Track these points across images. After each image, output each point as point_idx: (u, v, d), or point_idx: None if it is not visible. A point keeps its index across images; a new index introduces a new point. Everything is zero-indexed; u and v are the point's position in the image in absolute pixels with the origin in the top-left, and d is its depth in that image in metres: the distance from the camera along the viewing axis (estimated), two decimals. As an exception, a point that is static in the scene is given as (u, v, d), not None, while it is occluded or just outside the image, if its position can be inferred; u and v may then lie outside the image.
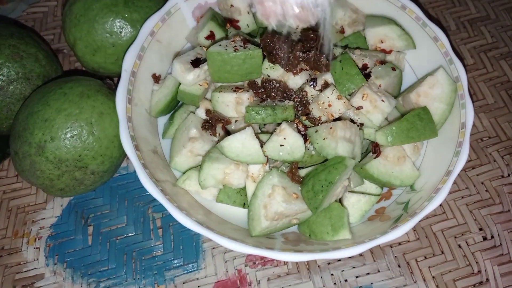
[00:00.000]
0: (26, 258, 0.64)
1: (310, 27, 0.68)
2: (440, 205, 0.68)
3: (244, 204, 0.61)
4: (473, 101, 0.77)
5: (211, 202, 0.61)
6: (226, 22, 0.70)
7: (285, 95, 0.62)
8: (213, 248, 0.64)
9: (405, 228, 0.52)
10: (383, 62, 0.65)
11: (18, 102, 0.66)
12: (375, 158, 0.59)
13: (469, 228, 0.66)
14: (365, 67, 0.63)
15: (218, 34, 0.67)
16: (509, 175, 0.71)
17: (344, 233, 0.55)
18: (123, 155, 0.65)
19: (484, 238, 0.65)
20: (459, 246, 0.65)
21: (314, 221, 0.57)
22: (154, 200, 0.68)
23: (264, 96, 0.62)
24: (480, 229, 0.66)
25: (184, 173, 0.62)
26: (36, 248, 0.65)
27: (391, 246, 0.64)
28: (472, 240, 0.65)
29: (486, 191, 0.69)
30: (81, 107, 0.60)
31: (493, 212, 0.67)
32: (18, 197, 0.69)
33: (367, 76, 0.63)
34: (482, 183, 0.70)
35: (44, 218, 0.67)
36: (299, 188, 0.57)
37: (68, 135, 0.58)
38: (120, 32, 0.67)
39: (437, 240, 0.65)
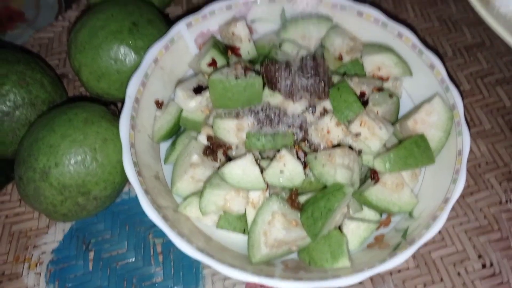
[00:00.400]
0: (26, 284, 0.64)
1: (309, 55, 0.70)
2: (439, 231, 0.68)
3: (244, 230, 0.61)
4: (470, 127, 0.78)
5: (211, 228, 0.62)
6: (228, 49, 0.72)
7: (284, 121, 0.64)
8: (213, 275, 0.65)
9: (403, 256, 0.53)
10: (380, 89, 0.67)
11: (24, 127, 0.67)
12: (373, 184, 0.59)
13: (468, 255, 0.66)
14: (363, 94, 0.65)
15: (220, 61, 0.68)
16: (507, 201, 0.71)
17: (344, 261, 0.55)
18: (125, 181, 0.65)
19: (484, 266, 0.65)
20: (458, 274, 0.65)
21: (314, 248, 0.58)
22: (155, 225, 0.68)
23: (265, 122, 0.63)
24: (479, 256, 0.66)
25: (185, 198, 0.62)
26: (37, 273, 0.65)
27: (390, 274, 0.65)
28: (471, 267, 0.65)
29: (485, 217, 0.70)
30: (85, 133, 0.61)
31: (492, 239, 0.68)
32: (21, 222, 0.70)
33: (365, 103, 0.64)
34: (480, 210, 0.70)
35: (46, 243, 0.67)
36: (299, 215, 0.58)
37: (72, 161, 0.60)
38: (125, 59, 0.69)
39: (436, 267, 0.65)
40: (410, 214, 0.61)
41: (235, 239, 0.61)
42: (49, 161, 0.59)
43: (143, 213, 0.69)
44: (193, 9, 0.92)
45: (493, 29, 0.61)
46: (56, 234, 0.68)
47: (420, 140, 0.61)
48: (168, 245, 0.67)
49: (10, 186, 0.73)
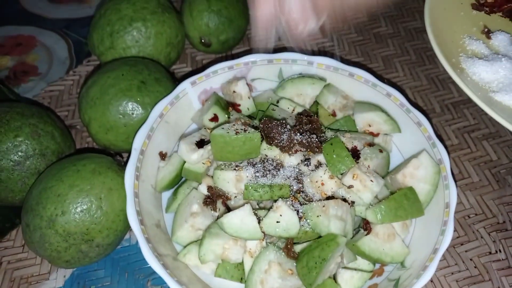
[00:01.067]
0: (25, 331, 0.65)
1: (304, 112, 0.75)
2: (431, 281, 0.70)
3: (241, 279, 0.63)
4: (459, 179, 0.82)
5: (209, 276, 0.64)
6: (229, 105, 0.77)
7: (281, 173, 0.67)
8: (210, 323, 0.65)
9: (396, 305, 0.55)
10: (371, 144, 0.71)
11: (33, 176, 0.71)
12: (366, 235, 0.62)
13: (460, 305, 0.68)
14: (354, 148, 0.69)
15: (221, 116, 0.73)
16: (496, 251, 0.73)
17: (338, 310, 0.57)
18: (127, 228, 0.68)
19: (476, 316, 0.67)
20: (452, 324, 0.66)
21: (309, 297, 0.59)
22: (154, 272, 0.70)
23: (262, 174, 0.67)
24: (472, 307, 0.68)
25: (185, 247, 0.65)
26: (36, 320, 0.66)
27: (385, 323, 0.66)
28: (465, 318, 0.67)
29: (475, 267, 0.72)
30: (92, 183, 0.64)
31: (483, 290, 0.69)
32: (22, 267, 0.71)
33: (357, 157, 0.68)
34: (471, 260, 0.73)
35: (46, 290, 0.69)
36: (294, 264, 0.60)
37: (78, 209, 0.62)
38: (132, 113, 0.74)
39: (430, 317, 0.66)
40: (402, 264, 0.63)
41: (232, 287, 0.63)
42: (56, 209, 0.62)
43: (142, 260, 0.71)
44: (197, 68, 0.99)
45: (466, 93, 0.68)
46: (57, 280, 0.69)
47: (409, 193, 0.64)
48: (167, 293, 0.68)
49: (14, 232, 0.75)
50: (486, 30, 0.87)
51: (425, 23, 0.79)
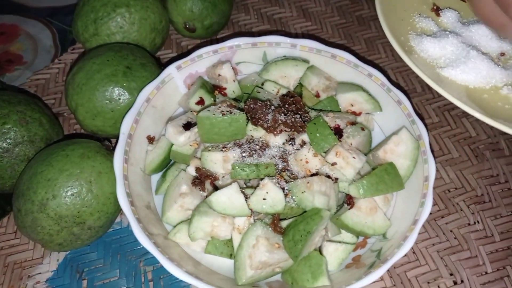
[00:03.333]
0: (20, 313, 0.67)
1: (288, 93, 0.77)
2: (413, 252, 0.73)
3: (231, 255, 0.65)
4: (438, 156, 0.85)
5: (200, 253, 0.66)
6: (214, 89, 0.78)
7: (267, 152, 0.69)
8: (202, 299, 0.68)
9: (377, 273, 0.57)
10: (353, 123, 0.73)
11: (22, 163, 0.71)
12: (349, 209, 0.65)
13: (440, 273, 0.71)
14: (337, 127, 0.71)
15: (207, 99, 0.75)
16: (475, 222, 0.77)
17: (323, 280, 0.59)
18: (118, 211, 0.70)
19: (455, 283, 0.70)
20: (433, 291, 0.69)
21: (296, 269, 0.62)
22: (146, 253, 0.72)
23: (249, 153, 0.69)
24: (451, 274, 0.71)
25: (175, 226, 0.66)
26: (31, 303, 0.67)
27: (369, 293, 0.69)
28: (444, 285, 0.70)
29: (455, 238, 0.75)
30: (81, 167, 0.65)
31: (462, 258, 0.73)
32: (15, 253, 0.72)
33: (340, 135, 0.70)
34: (451, 231, 0.76)
35: (40, 273, 0.70)
36: (281, 238, 0.63)
37: (69, 193, 0.64)
38: (119, 99, 0.75)
39: (412, 286, 0.70)
40: (384, 236, 0.66)
41: (222, 264, 0.65)
42: (47, 193, 0.63)
43: (134, 242, 0.73)
44: (182, 52, 0.99)
45: (413, 70, 0.70)
46: (51, 264, 0.71)
47: (390, 168, 0.67)
48: (158, 272, 0.70)
49: (5, 219, 0.76)
50: (435, 7, 0.88)
51: (375, 2, 0.81)
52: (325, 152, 0.68)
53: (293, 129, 0.69)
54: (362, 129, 0.72)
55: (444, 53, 0.78)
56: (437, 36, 0.80)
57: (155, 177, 0.74)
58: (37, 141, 0.73)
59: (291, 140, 0.70)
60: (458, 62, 0.77)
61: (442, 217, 0.77)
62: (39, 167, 0.66)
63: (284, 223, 0.64)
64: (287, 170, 0.68)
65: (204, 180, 0.68)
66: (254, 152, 0.68)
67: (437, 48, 0.78)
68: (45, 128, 0.75)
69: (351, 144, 0.70)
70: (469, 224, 0.77)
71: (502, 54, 0.82)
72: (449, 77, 0.75)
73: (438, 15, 0.88)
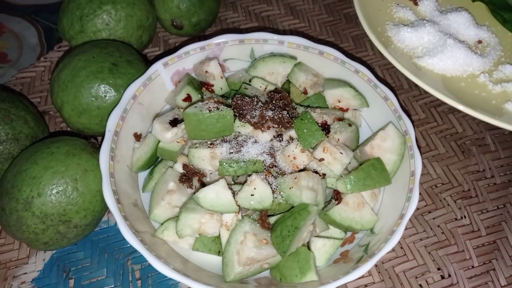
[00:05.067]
0: (6, 314, 0.65)
1: (275, 89, 0.76)
2: (401, 247, 0.74)
3: (219, 252, 0.65)
4: (425, 152, 0.86)
5: (188, 251, 0.65)
6: (202, 85, 0.78)
7: (254, 148, 0.69)
8: (190, 297, 0.67)
9: (365, 268, 0.58)
10: (341, 119, 0.74)
11: (7, 161, 0.70)
12: (337, 204, 0.65)
13: (428, 268, 0.72)
14: (324, 123, 0.71)
15: (194, 96, 0.74)
16: (462, 217, 0.78)
17: (311, 275, 0.59)
18: (105, 209, 0.69)
19: (442, 277, 0.71)
20: (420, 285, 0.70)
21: (284, 265, 0.62)
22: (133, 252, 0.72)
23: (236, 150, 0.69)
24: (438, 269, 0.72)
25: (162, 224, 0.66)
26: (17, 303, 0.66)
27: (357, 288, 0.69)
28: (432, 279, 0.70)
29: (442, 233, 0.76)
30: (67, 164, 0.65)
31: (449, 253, 0.73)
32: (0, 253, 0.71)
33: (327, 131, 0.71)
34: (438, 226, 0.76)
35: (26, 273, 0.69)
36: (269, 234, 0.62)
37: (54, 191, 0.63)
38: (105, 96, 0.74)
39: (400, 281, 0.70)
40: (372, 231, 0.66)
41: (211, 261, 0.65)
42: (32, 191, 0.63)
43: (121, 241, 0.72)
44: (169, 50, 0.99)
45: (390, 61, 0.70)
46: (37, 263, 0.70)
47: (377, 163, 0.67)
48: (146, 270, 0.70)
49: (-10, 219, 0.75)
50: None
51: None
52: (312, 148, 0.68)
53: (280, 125, 0.69)
54: (349, 125, 0.72)
55: (422, 43, 0.78)
56: (415, 26, 0.80)
57: (143, 175, 0.74)
58: (22, 139, 0.72)
59: (279, 136, 0.70)
60: (435, 51, 0.77)
61: (430, 212, 0.78)
62: (23, 165, 0.65)
63: (272, 219, 0.64)
64: (275, 166, 0.68)
65: (192, 177, 0.68)
66: (241, 149, 0.68)
67: (414, 37, 0.78)
68: (30, 126, 0.74)
69: (338, 140, 0.70)
70: (456, 219, 0.77)
71: (479, 41, 0.83)
72: (426, 67, 0.75)
73: (416, 4, 0.87)
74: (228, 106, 0.70)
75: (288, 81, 0.81)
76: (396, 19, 0.83)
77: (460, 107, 0.65)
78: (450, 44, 0.75)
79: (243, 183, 0.66)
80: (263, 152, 0.68)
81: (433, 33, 0.78)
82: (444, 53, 0.75)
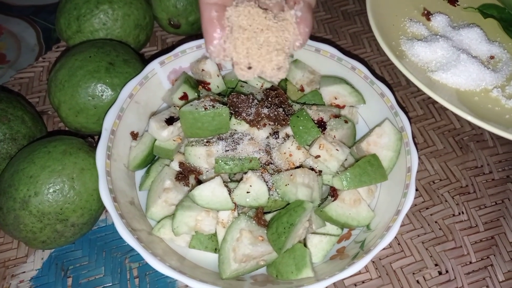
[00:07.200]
0: (5, 312, 0.66)
1: (272, 87, 0.77)
2: (398, 243, 0.74)
3: (215, 249, 0.65)
4: (423, 148, 0.85)
5: (184, 248, 0.66)
6: (198, 84, 0.78)
7: (250, 146, 0.69)
8: (187, 294, 0.68)
9: (361, 264, 0.58)
10: (337, 116, 0.74)
11: (4, 161, 0.71)
12: (333, 201, 0.65)
13: (425, 264, 0.71)
14: (321, 120, 0.71)
15: (191, 95, 0.74)
16: (459, 213, 0.77)
17: (307, 272, 0.59)
18: (102, 208, 0.69)
19: (440, 273, 0.71)
20: (418, 281, 0.70)
21: (280, 262, 0.62)
22: (131, 250, 0.72)
23: (232, 147, 0.69)
24: (436, 265, 0.71)
25: (159, 222, 0.66)
26: (15, 301, 0.67)
27: (355, 285, 0.69)
28: (429, 275, 0.70)
29: (440, 229, 0.75)
30: (64, 163, 0.65)
31: (446, 248, 0.73)
32: (-1, 252, 0.72)
33: (323, 128, 0.71)
34: (435, 222, 0.76)
35: (24, 272, 0.69)
36: (265, 231, 0.63)
37: (51, 190, 0.63)
38: (102, 95, 0.74)
39: (397, 277, 0.70)
40: (368, 227, 0.66)
41: (207, 258, 0.65)
42: (29, 190, 0.63)
43: (119, 239, 0.73)
44: (167, 49, 0.99)
45: (405, 74, 0.71)
46: (35, 262, 0.70)
47: (373, 159, 0.67)
48: (144, 268, 0.70)
49: (-11, 219, 0.75)
50: (426, 12, 0.90)
51: (366, 8, 0.82)
52: (308, 145, 0.68)
53: (276, 123, 0.69)
54: (346, 121, 0.72)
55: (435, 57, 0.80)
56: (428, 40, 0.81)
57: (139, 173, 0.74)
58: (20, 138, 0.72)
59: (275, 133, 0.70)
60: (449, 65, 0.78)
61: (427, 208, 0.78)
62: (20, 164, 0.65)
63: (268, 216, 0.64)
64: (271, 163, 0.68)
65: (188, 175, 0.68)
66: (237, 146, 0.68)
67: (428, 52, 0.80)
68: (27, 126, 0.74)
69: (335, 137, 0.70)
70: (453, 215, 0.77)
71: (492, 57, 0.84)
72: (440, 80, 0.77)
73: (428, 19, 0.89)
74: (224, 104, 0.70)
75: (284, 79, 0.81)
76: (409, 33, 0.85)
77: (479, 123, 0.66)
78: (463, 59, 0.77)
79: (239, 181, 0.66)
80: (259, 149, 0.68)
81: (446, 48, 0.79)
82: (458, 68, 0.76)
